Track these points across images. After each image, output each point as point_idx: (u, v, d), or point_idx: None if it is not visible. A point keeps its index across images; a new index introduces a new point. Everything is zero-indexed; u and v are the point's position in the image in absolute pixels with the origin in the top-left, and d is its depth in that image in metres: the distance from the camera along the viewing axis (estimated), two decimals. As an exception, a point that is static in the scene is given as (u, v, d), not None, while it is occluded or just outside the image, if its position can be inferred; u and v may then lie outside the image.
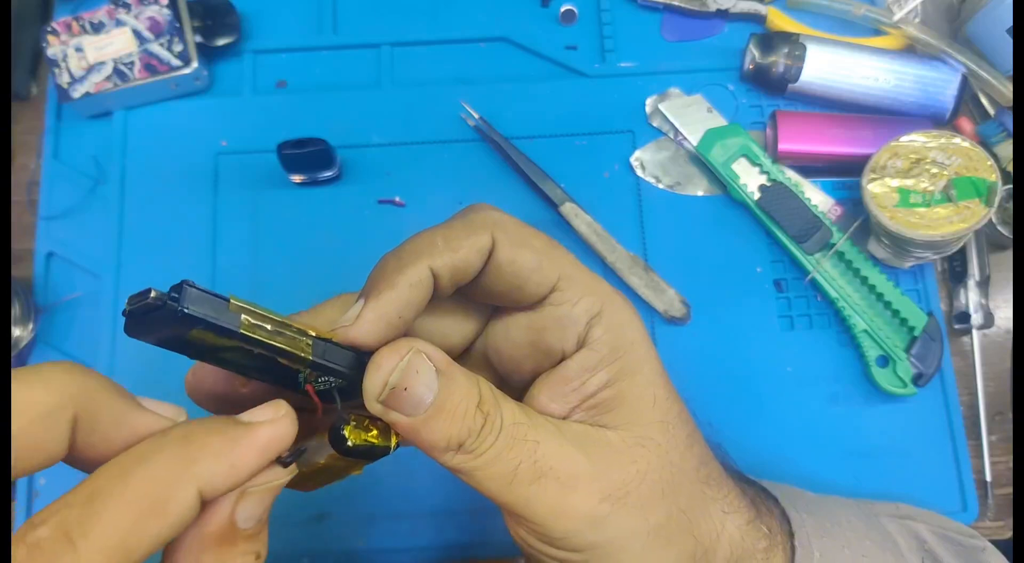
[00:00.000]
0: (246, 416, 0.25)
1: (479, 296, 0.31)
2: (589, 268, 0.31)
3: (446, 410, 0.27)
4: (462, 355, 0.34)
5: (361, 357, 0.27)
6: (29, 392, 0.22)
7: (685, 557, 0.30)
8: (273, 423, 0.25)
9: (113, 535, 0.21)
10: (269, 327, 0.25)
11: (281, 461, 0.25)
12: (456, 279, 0.29)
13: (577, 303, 0.30)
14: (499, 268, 0.29)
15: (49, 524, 0.20)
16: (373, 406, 0.27)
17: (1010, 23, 0.50)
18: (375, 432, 0.28)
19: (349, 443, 0.27)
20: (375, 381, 0.26)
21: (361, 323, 0.27)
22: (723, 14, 0.55)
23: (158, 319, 0.23)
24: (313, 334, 0.27)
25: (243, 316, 0.25)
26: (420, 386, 0.26)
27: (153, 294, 0.23)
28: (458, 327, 0.32)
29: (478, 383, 0.28)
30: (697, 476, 0.31)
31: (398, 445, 0.29)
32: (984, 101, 0.54)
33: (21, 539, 0.20)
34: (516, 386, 0.32)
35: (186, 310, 0.23)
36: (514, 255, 0.29)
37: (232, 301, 0.24)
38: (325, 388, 0.28)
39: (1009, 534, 0.48)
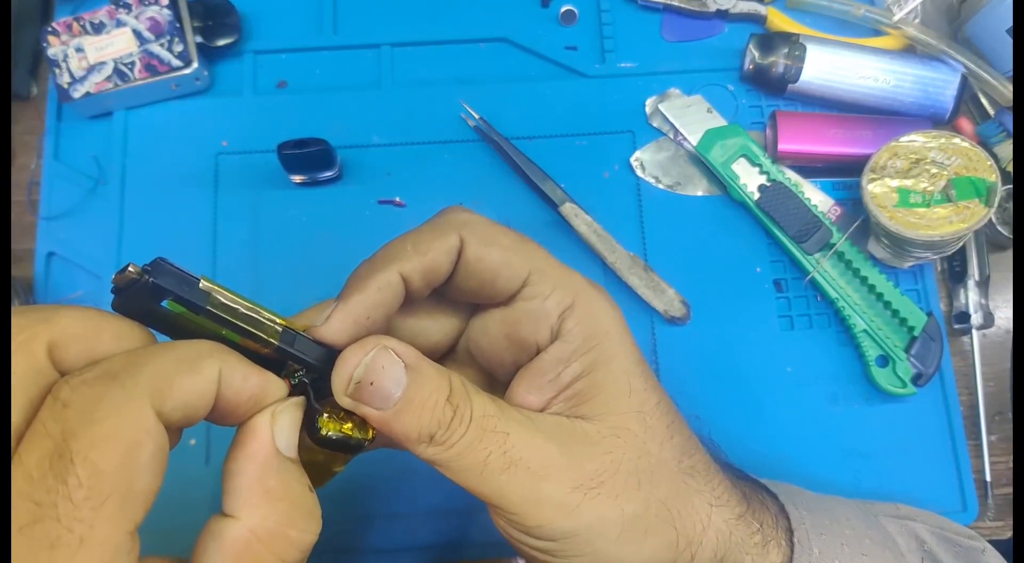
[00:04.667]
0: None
1: (455, 294, 0.32)
2: (566, 264, 0.32)
3: (415, 403, 0.28)
4: (448, 354, 0.35)
5: (333, 355, 0.28)
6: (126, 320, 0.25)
7: (665, 547, 0.30)
8: (276, 382, 0.27)
9: (152, 378, 0.23)
10: (240, 310, 0.27)
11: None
12: (428, 280, 0.30)
13: (549, 296, 0.31)
14: (469, 266, 0.30)
15: (93, 371, 0.22)
16: (342, 400, 0.28)
17: (1010, 23, 0.50)
18: (350, 425, 0.29)
19: (322, 432, 0.28)
20: (341, 376, 0.28)
21: (330, 322, 0.28)
22: (723, 14, 0.55)
23: (136, 293, 0.25)
24: (283, 323, 0.28)
25: (212, 294, 0.26)
26: (387, 380, 0.27)
27: (131, 268, 0.25)
28: (439, 327, 0.34)
29: (448, 377, 0.29)
30: (679, 467, 0.32)
31: (374, 438, 0.29)
32: (984, 101, 0.54)
33: (65, 383, 0.22)
34: (503, 381, 0.33)
35: (154, 281, 0.25)
36: (482, 253, 0.30)
37: (203, 280, 0.26)
38: (299, 382, 0.29)
39: (1009, 534, 0.48)
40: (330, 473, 0.31)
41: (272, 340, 0.27)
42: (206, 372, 0.24)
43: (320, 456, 0.29)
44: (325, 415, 0.28)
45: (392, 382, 0.27)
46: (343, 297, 0.29)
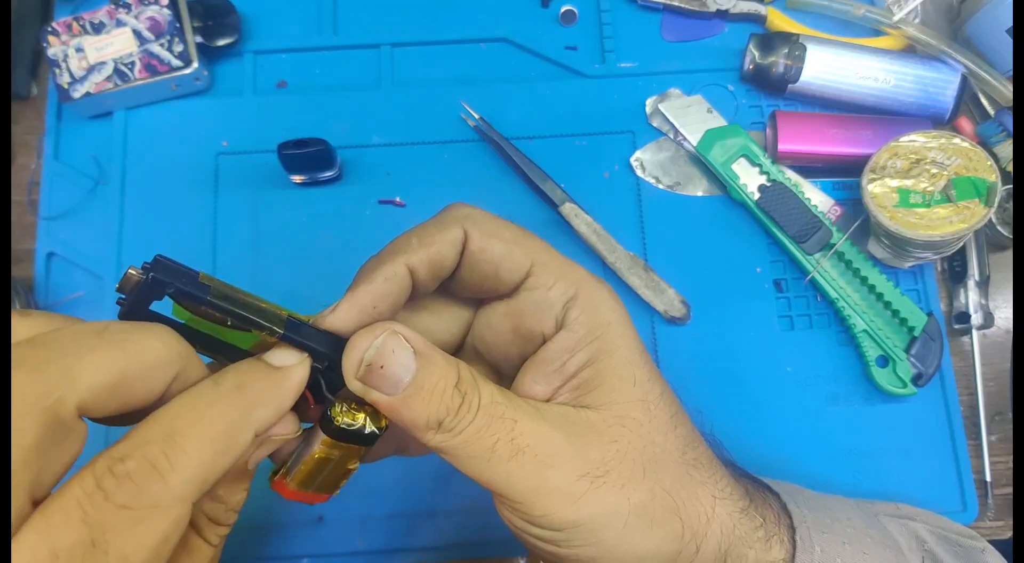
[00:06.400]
0: (273, 360, 0.28)
1: (460, 289, 0.33)
2: (566, 256, 0.32)
3: (424, 389, 0.28)
4: (455, 353, 0.35)
5: (341, 345, 0.29)
6: (150, 341, 0.25)
7: (671, 538, 0.30)
8: (301, 364, 0.28)
9: (196, 469, 0.24)
10: (242, 299, 0.27)
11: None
12: (435, 273, 0.31)
13: (552, 287, 0.31)
14: (472, 258, 0.31)
15: (135, 457, 0.23)
16: (353, 384, 0.28)
17: (1010, 23, 0.50)
18: (363, 415, 0.29)
19: (335, 422, 0.28)
20: (352, 358, 0.28)
21: (337, 311, 0.29)
22: (723, 14, 0.55)
23: (140, 294, 0.26)
24: (287, 314, 0.28)
25: (213, 286, 0.27)
26: (396, 365, 0.28)
27: (131, 271, 0.25)
28: (446, 325, 0.34)
29: (457, 364, 0.29)
30: (683, 458, 0.32)
31: (386, 428, 0.30)
32: (984, 101, 0.54)
33: (108, 471, 0.22)
34: (510, 377, 0.33)
35: (154, 275, 0.25)
36: (485, 244, 0.30)
37: (202, 274, 0.27)
38: (314, 379, 0.29)
39: (1009, 534, 0.48)
40: (346, 472, 0.31)
41: (277, 329, 0.28)
42: (242, 446, 0.26)
43: (335, 452, 0.29)
44: (337, 407, 0.29)
45: (402, 367, 0.28)
46: (351, 289, 0.30)
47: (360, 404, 0.29)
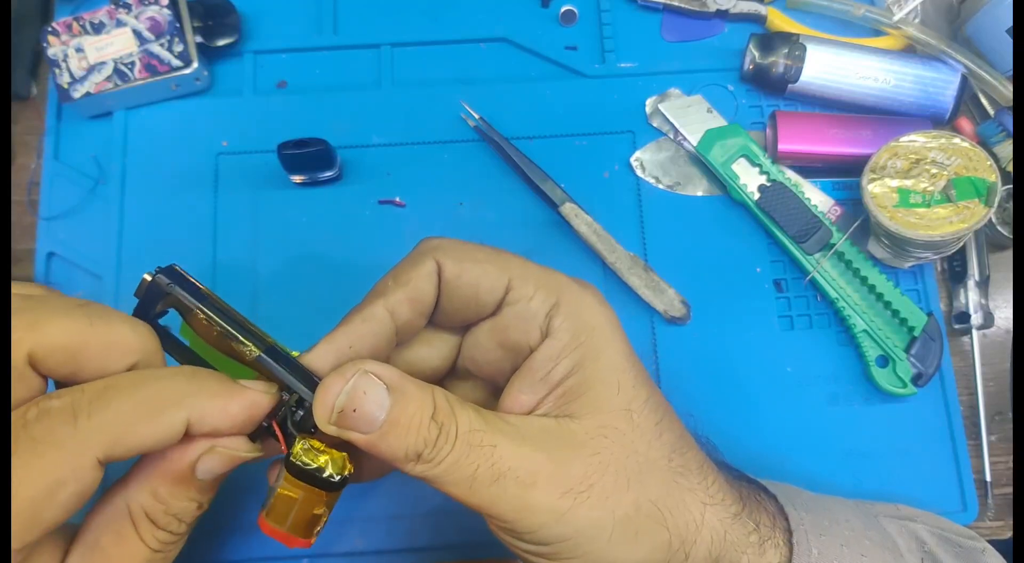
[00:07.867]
0: (242, 382, 0.29)
1: (446, 320, 0.33)
2: (548, 266, 0.33)
3: (400, 424, 0.28)
4: (449, 375, 0.36)
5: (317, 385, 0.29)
6: (120, 325, 0.27)
7: (658, 548, 0.30)
8: (263, 391, 0.29)
9: (110, 424, 0.25)
10: (233, 315, 0.29)
11: (251, 436, 0.30)
12: (418, 309, 0.31)
13: (533, 297, 0.31)
14: (450, 285, 0.31)
15: (63, 399, 0.25)
16: (327, 429, 0.28)
17: (1010, 23, 0.50)
18: (324, 458, 0.29)
19: (291, 458, 0.29)
20: (324, 404, 0.28)
21: (314, 350, 0.30)
22: (723, 15, 0.55)
23: (147, 294, 0.28)
24: (272, 342, 0.29)
25: (212, 298, 0.29)
26: (369, 405, 0.28)
27: (145, 276, 0.28)
28: (436, 352, 0.35)
29: (432, 394, 0.29)
30: (669, 465, 0.32)
31: (346, 478, 0.30)
32: (984, 101, 0.54)
33: (35, 404, 0.24)
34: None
35: (160, 276, 0.28)
36: (459, 269, 0.31)
37: (206, 289, 0.29)
38: (284, 413, 0.30)
39: (1009, 534, 0.48)
40: (313, 517, 0.30)
41: (255, 350, 0.28)
42: (169, 421, 0.26)
43: (298, 491, 0.29)
44: (299, 445, 0.29)
45: (375, 406, 0.28)
46: (330, 333, 0.31)
47: (329, 447, 0.29)
